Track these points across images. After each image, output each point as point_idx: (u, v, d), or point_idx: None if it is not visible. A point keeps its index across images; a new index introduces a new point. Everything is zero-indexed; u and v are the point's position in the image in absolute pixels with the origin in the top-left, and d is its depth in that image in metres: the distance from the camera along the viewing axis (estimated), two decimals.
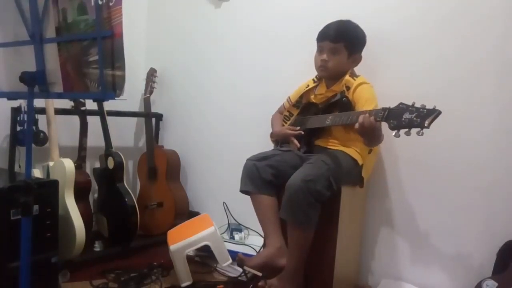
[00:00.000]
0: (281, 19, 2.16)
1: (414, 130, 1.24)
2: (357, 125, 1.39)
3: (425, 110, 1.24)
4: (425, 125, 1.21)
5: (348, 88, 1.67)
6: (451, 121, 1.65)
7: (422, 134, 1.22)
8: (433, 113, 1.22)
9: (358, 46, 1.72)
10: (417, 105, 1.27)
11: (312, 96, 1.83)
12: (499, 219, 1.57)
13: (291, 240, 1.56)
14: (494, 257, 1.52)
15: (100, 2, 1.02)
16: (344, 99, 1.66)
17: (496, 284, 1.43)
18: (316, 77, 1.85)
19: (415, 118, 1.24)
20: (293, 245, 1.56)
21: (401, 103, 1.31)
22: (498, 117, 1.57)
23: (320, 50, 1.74)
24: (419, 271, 1.74)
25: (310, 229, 1.52)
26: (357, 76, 1.69)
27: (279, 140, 1.86)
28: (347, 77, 1.69)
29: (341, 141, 1.70)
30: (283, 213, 1.54)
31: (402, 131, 1.27)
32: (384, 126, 1.38)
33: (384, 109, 1.35)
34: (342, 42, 1.67)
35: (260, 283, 1.59)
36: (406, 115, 1.26)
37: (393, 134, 1.28)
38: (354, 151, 1.66)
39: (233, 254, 1.77)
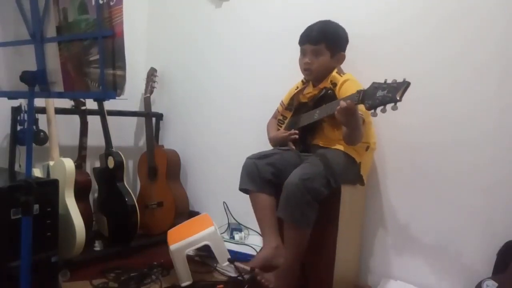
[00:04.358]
0: (282, 19, 2.16)
1: (388, 106, 1.24)
2: (337, 109, 1.37)
3: (395, 84, 1.24)
4: (397, 98, 1.22)
5: (334, 84, 1.67)
6: (453, 122, 1.65)
7: (396, 108, 1.22)
8: (403, 85, 1.22)
9: (340, 45, 1.72)
10: (389, 81, 1.27)
11: (301, 96, 1.84)
12: (499, 219, 1.57)
13: (287, 238, 1.56)
14: (494, 257, 1.52)
15: (101, 2, 1.02)
16: (329, 91, 1.66)
17: (496, 284, 1.43)
18: (304, 78, 1.86)
19: (387, 94, 1.24)
20: (289, 243, 1.56)
21: (374, 83, 1.31)
22: (500, 118, 1.57)
23: (303, 54, 1.75)
24: (419, 271, 1.74)
25: (307, 227, 1.52)
26: (344, 74, 1.69)
27: (277, 145, 1.86)
28: (333, 74, 1.69)
29: (334, 140, 1.70)
30: (281, 212, 1.54)
31: (378, 109, 1.27)
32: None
33: (359, 92, 1.35)
34: (323, 43, 1.68)
35: (258, 277, 1.59)
36: (379, 93, 1.26)
37: (370, 114, 1.29)
38: (351, 149, 1.65)
39: (233, 254, 1.77)
